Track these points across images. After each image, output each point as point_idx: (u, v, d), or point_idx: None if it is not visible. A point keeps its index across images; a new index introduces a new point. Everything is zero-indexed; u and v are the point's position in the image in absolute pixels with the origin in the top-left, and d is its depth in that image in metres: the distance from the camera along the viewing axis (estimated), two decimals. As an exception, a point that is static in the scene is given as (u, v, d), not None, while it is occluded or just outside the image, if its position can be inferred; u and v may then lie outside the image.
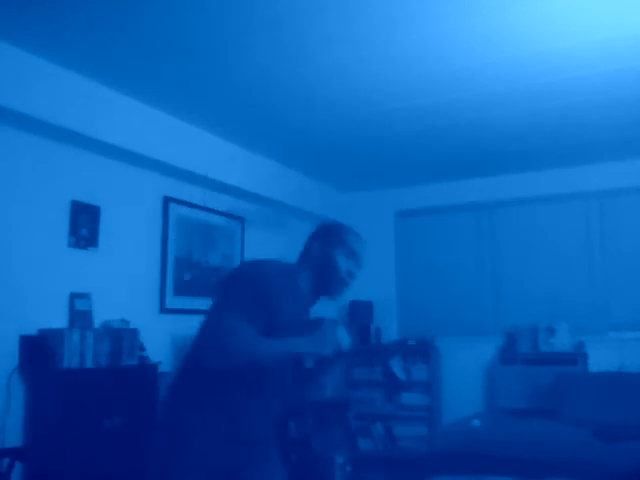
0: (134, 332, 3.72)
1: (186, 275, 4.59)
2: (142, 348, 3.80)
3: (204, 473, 1.70)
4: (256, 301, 1.70)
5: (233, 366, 1.65)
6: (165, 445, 1.74)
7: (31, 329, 3.37)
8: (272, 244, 5.40)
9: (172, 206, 4.51)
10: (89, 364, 3.41)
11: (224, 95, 3.85)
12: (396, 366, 5.65)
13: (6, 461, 3.02)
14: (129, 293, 4.04)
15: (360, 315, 5.86)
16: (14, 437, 3.22)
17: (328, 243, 1.93)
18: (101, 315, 3.73)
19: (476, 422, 4.46)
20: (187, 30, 3.05)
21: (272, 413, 1.88)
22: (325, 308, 6.39)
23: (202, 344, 1.71)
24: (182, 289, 4.53)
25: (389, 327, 5.97)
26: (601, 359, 4.97)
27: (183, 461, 1.69)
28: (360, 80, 3.64)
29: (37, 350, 3.28)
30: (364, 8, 2.85)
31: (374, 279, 6.07)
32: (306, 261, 1.94)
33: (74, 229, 3.71)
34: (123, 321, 3.77)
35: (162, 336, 4.20)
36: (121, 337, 3.62)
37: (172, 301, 4.43)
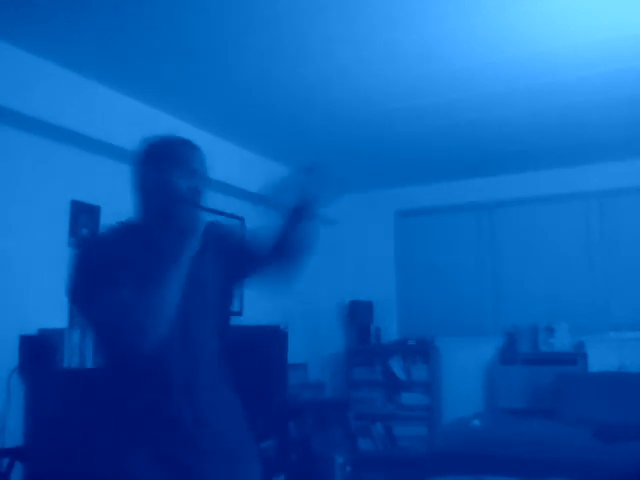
0: (134, 332, 3.71)
1: (186, 275, 4.58)
2: (142, 348, 3.79)
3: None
4: (119, 268, 1.50)
5: (166, 327, 1.46)
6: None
7: (31, 329, 3.36)
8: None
9: (172, 206, 4.50)
10: (89, 364, 3.41)
11: (224, 95, 3.85)
12: (396, 366, 5.65)
13: (6, 461, 3.01)
14: (129, 293, 4.03)
15: (360, 315, 5.86)
16: (14, 437, 3.21)
17: (158, 168, 1.68)
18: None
19: (476, 422, 4.46)
20: (187, 30, 3.05)
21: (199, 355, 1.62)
22: (325, 308, 6.38)
23: (115, 341, 1.49)
24: (182, 289, 4.52)
25: (389, 327, 5.97)
26: (601, 359, 4.97)
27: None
28: (360, 80, 3.64)
29: (37, 350, 3.28)
30: (364, 8, 2.85)
31: (374, 279, 6.09)
32: (142, 199, 1.71)
33: (74, 229, 3.71)
34: (123, 321, 3.77)
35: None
36: (121, 337, 3.61)
37: (172, 301, 4.41)
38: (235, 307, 4.84)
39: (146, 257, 1.56)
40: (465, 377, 5.55)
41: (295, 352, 5.14)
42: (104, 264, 1.51)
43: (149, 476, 1.50)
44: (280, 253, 1.76)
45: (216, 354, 1.68)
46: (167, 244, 1.55)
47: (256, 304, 5.07)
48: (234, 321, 1.87)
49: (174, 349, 1.55)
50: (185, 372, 1.57)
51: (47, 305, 3.51)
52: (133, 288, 1.46)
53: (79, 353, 3.37)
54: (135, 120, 3.88)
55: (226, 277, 1.75)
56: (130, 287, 1.46)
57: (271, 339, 4.75)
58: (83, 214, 3.77)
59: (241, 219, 5.19)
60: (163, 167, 1.66)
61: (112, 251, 1.55)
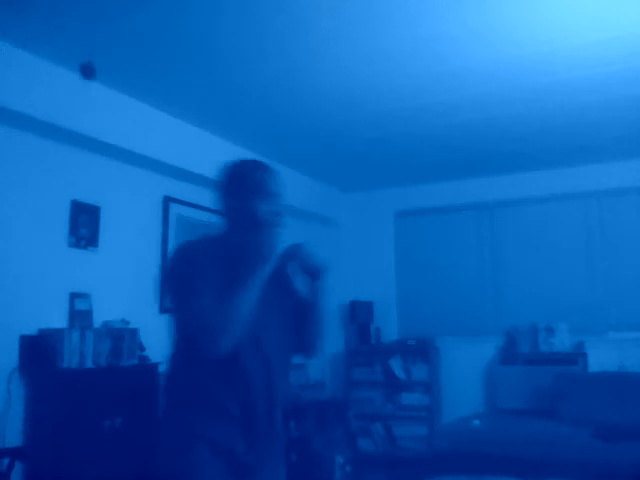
0: (134, 332, 3.72)
1: (186, 275, 4.59)
2: (142, 348, 3.80)
3: (215, 461, 1.66)
4: (202, 275, 1.66)
5: (237, 335, 1.62)
6: (173, 442, 1.70)
7: (31, 329, 3.37)
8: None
9: (172, 206, 4.51)
10: (89, 364, 3.41)
11: (224, 95, 3.85)
12: (396, 366, 5.65)
13: (6, 461, 3.01)
14: (129, 293, 4.04)
15: (360, 315, 5.86)
16: (14, 437, 3.22)
17: (237, 193, 1.78)
18: (101, 315, 3.73)
19: (476, 422, 4.46)
20: (187, 30, 3.04)
21: (273, 391, 1.79)
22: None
23: (193, 339, 1.64)
24: (182, 289, 4.53)
25: (389, 327, 5.97)
26: (601, 359, 4.96)
27: (192, 452, 1.66)
28: (360, 80, 3.64)
29: (37, 350, 3.28)
30: (364, 8, 2.85)
31: (374, 279, 6.09)
32: (227, 219, 1.82)
33: (74, 229, 3.71)
34: (123, 321, 3.77)
35: (162, 336, 4.18)
36: (121, 337, 3.62)
37: (172, 301, 4.42)
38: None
39: (227, 270, 1.70)
40: (465, 377, 5.55)
41: (295, 352, 5.13)
42: (194, 270, 1.67)
43: (210, 467, 1.65)
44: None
45: (288, 372, 1.88)
46: (246, 263, 1.72)
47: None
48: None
49: (251, 357, 1.72)
50: (263, 381, 1.75)
51: (47, 305, 3.51)
52: (213, 297, 1.62)
53: (79, 353, 3.37)
54: (135, 120, 3.88)
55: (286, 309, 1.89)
56: (210, 296, 1.62)
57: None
58: (83, 214, 3.77)
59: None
60: (243, 194, 1.77)
61: (201, 259, 1.70)
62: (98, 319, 3.71)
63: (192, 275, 1.66)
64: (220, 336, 1.60)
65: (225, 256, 1.75)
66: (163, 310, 4.36)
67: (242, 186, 1.78)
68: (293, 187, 5.49)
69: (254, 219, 1.76)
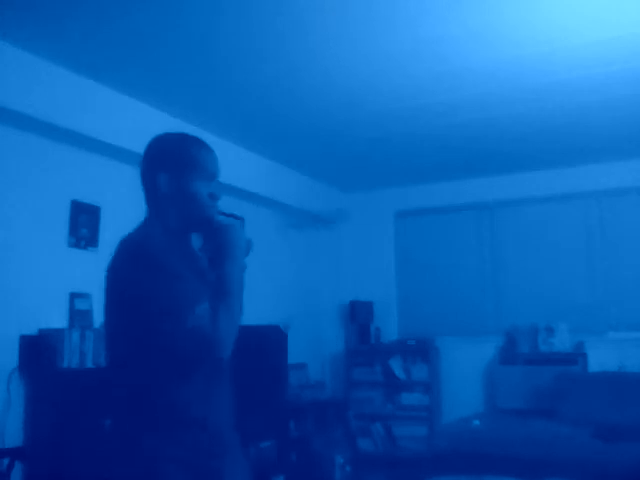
0: (134, 332, 3.71)
1: (186, 275, 4.59)
2: (142, 348, 3.79)
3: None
4: (169, 278, 1.42)
5: (234, 336, 1.47)
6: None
7: (31, 329, 3.37)
8: (272, 246, 5.40)
9: (172, 206, 4.50)
10: (89, 364, 3.41)
11: (224, 95, 3.85)
12: (396, 366, 5.65)
13: (6, 461, 3.02)
14: (129, 293, 4.03)
15: (360, 315, 5.86)
16: (14, 437, 3.22)
17: (176, 172, 1.53)
18: (101, 315, 3.72)
19: (476, 422, 4.46)
20: (186, 30, 3.05)
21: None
22: (325, 308, 6.36)
23: (186, 354, 1.43)
24: (182, 289, 4.53)
25: (389, 327, 5.97)
26: (601, 359, 4.96)
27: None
28: (360, 80, 3.64)
29: (37, 350, 3.28)
30: (364, 8, 2.85)
31: (374, 279, 6.09)
32: (160, 204, 1.57)
33: (74, 229, 3.71)
34: (123, 321, 3.77)
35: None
36: (121, 337, 3.62)
37: (172, 301, 4.42)
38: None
39: (186, 265, 1.50)
40: (465, 377, 5.55)
41: (295, 352, 5.14)
42: (168, 272, 1.43)
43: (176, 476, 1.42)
44: None
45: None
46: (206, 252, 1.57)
47: (256, 304, 5.08)
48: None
49: (225, 362, 1.55)
50: (229, 385, 1.60)
51: (47, 305, 3.51)
52: (202, 302, 1.41)
53: (79, 353, 3.37)
54: (135, 120, 3.88)
55: None
56: (201, 302, 1.41)
57: (271, 339, 4.75)
58: (83, 214, 3.77)
59: (241, 219, 5.18)
60: (185, 173, 1.54)
61: (168, 256, 1.46)
62: (98, 319, 3.71)
63: (171, 279, 1.41)
64: (227, 345, 1.44)
65: (178, 252, 1.53)
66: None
67: (181, 163, 1.54)
68: (294, 187, 5.49)
69: (192, 203, 1.54)
